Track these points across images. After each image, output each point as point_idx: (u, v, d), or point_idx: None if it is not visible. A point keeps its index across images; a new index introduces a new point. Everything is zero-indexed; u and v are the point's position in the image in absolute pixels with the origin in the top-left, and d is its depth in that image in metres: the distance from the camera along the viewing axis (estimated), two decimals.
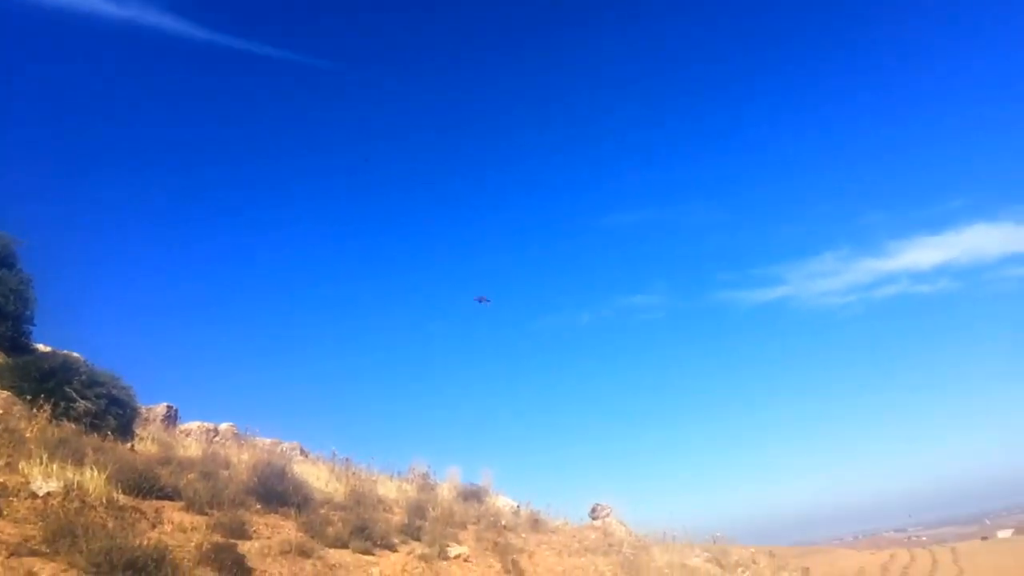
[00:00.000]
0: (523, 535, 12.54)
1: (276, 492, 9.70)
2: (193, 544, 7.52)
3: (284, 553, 8.18)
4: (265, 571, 7.74)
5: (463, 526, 11.77)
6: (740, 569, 12.49)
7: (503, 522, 12.11)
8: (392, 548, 9.67)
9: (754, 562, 13.60)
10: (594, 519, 14.53)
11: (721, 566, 12.96)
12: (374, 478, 13.09)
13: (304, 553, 8.35)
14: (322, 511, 9.93)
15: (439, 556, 9.70)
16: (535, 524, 13.36)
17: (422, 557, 9.41)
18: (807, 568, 16.53)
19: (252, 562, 7.74)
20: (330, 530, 9.25)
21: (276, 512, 9.47)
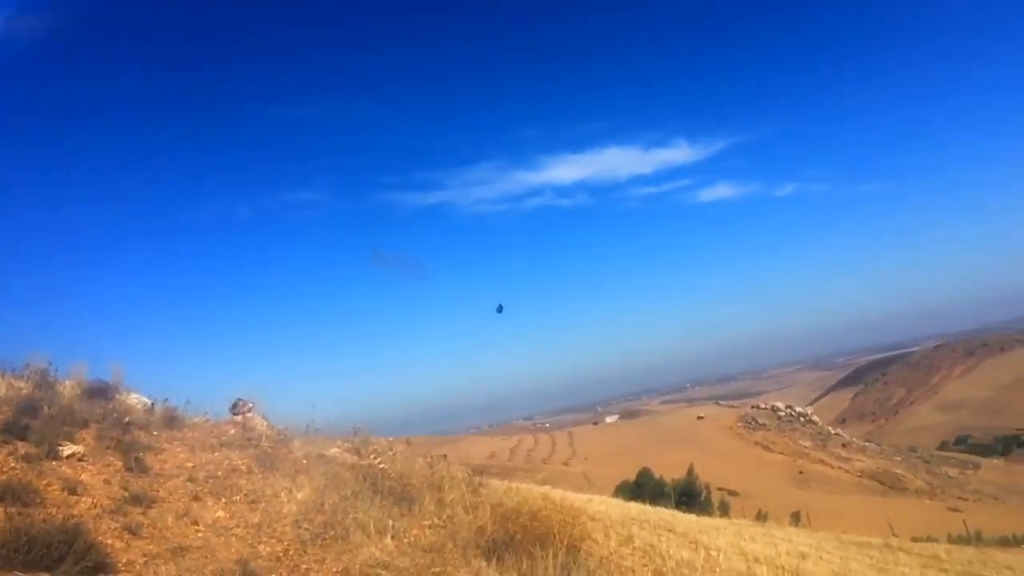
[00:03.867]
0: (155, 432, 12.10)
1: None
2: None
3: None
4: None
5: (84, 425, 11.00)
6: (374, 456, 13.41)
7: (129, 419, 11.55)
8: None
9: (391, 450, 14.67)
10: (235, 415, 14.47)
11: (359, 455, 13.77)
12: None
13: None
14: None
15: (48, 456, 9.02)
16: (171, 421, 12.92)
17: (25, 457, 8.67)
18: (444, 455, 18.25)
19: None
20: None
21: None
